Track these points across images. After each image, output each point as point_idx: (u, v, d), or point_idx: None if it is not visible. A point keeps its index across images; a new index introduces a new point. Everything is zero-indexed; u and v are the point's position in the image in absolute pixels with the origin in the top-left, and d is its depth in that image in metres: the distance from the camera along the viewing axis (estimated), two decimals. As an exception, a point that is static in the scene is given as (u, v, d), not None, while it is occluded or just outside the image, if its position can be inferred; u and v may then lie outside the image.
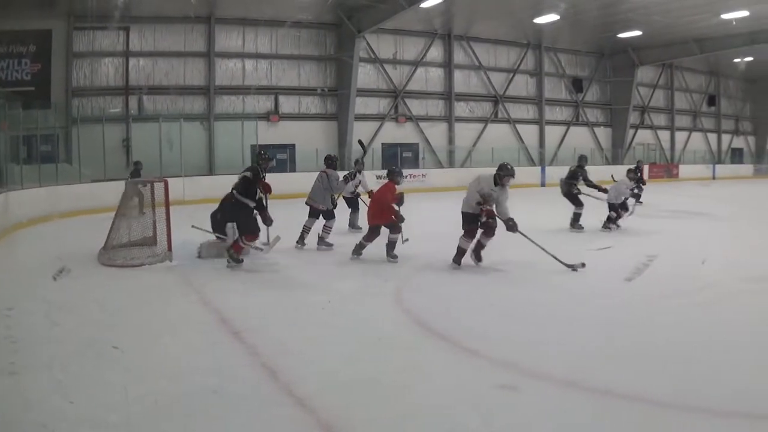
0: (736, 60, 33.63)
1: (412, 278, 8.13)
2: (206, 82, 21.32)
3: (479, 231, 8.49)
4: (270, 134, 22.04)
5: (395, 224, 8.94)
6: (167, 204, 8.90)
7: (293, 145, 22.49)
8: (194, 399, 4.09)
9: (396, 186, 9.12)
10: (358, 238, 9.55)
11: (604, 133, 32.81)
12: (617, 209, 12.07)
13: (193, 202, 15.04)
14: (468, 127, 26.96)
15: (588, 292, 7.26)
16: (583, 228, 12.03)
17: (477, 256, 8.67)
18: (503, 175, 8.34)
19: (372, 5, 20.62)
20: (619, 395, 4.23)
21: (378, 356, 5.07)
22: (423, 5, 19.78)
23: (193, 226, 9.57)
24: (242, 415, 3.89)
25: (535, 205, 15.73)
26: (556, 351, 5.16)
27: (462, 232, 8.57)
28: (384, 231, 9.01)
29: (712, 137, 38.96)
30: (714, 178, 35.11)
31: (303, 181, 17.69)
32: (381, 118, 24.61)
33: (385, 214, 8.91)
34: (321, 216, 10.52)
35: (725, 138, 39.73)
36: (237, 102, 22.14)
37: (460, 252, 8.51)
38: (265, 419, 3.83)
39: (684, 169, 34.19)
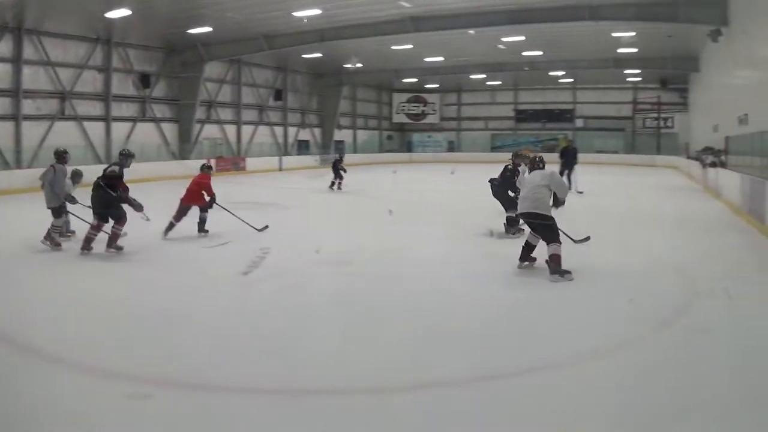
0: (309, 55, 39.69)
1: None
2: None
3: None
4: None
5: (205, 206, 12.69)
6: None
7: None
8: None
9: (209, 176, 13.02)
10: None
11: (170, 129, 36.79)
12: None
13: None
14: (36, 125, 29.06)
15: (205, 286, 8.64)
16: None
17: (532, 258, 9.44)
18: None
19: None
20: (237, 389, 4.97)
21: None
22: (-6, -3, 20.70)
23: None
24: None
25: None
26: (151, 351, 5.76)
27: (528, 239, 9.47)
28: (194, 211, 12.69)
29: (279, 130, 46.32)
30: (281, 169, 41.37)
31: None
32: (-55, 120, 25.05)
33: (197, 196, 12.68)
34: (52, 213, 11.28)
35: (291, 131, 47.58)
36: None
37: (559, 258, 8.67)
38: None
39: (251, 162, 39.75)
